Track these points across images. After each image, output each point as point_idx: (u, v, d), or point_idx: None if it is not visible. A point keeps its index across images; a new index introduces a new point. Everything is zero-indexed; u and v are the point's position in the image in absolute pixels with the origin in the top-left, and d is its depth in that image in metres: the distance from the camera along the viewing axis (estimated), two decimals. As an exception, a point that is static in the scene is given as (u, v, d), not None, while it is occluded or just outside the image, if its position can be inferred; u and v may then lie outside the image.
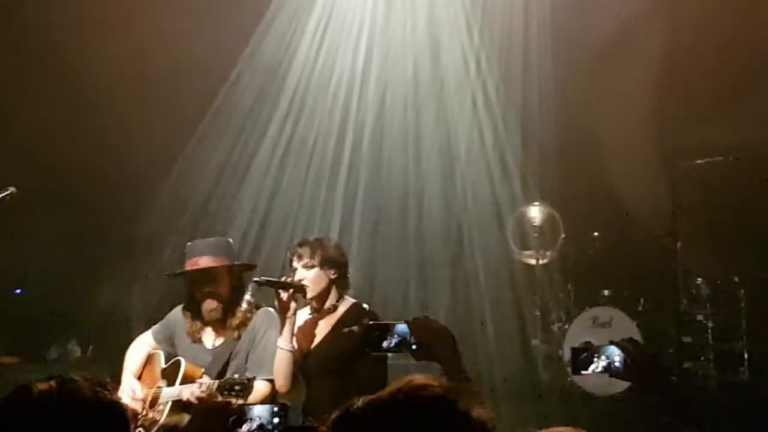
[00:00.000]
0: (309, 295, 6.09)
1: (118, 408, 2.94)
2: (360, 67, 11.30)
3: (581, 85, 10.77)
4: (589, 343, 9.14)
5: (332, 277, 6.12)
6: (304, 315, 6.22)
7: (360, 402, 2.80)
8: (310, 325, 6.22)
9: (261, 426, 3.70)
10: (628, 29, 10.43)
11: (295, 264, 6.11)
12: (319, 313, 6.18)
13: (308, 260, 6.08)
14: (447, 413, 2.72)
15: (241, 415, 3.65)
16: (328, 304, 6.18)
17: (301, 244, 6.20)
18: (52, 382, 2.91)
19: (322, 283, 6.11)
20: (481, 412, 2.81)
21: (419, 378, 2.86)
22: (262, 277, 6.12)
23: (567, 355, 10.18)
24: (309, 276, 6.09)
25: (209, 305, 6.27)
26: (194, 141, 11.18)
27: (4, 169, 9.08)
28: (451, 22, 11.22)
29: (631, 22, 10.46)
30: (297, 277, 6.08)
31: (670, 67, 10.40)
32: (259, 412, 3.68)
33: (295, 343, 6.05)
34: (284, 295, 5.98)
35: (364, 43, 11.28)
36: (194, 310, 6.37)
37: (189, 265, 6.30)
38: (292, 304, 6.00)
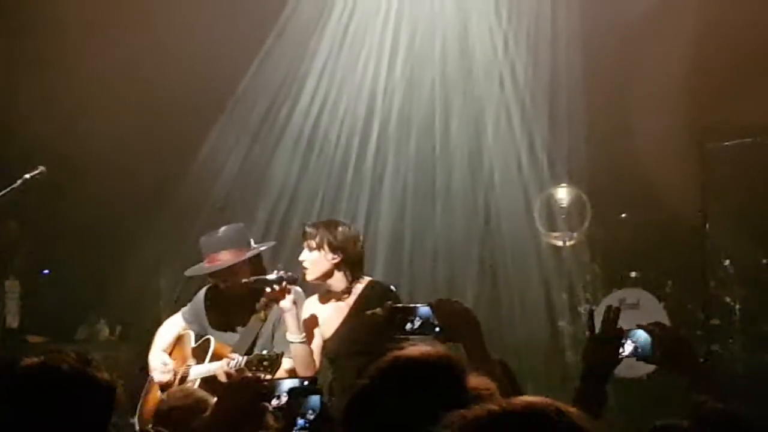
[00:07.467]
0: (309, 277, 6.18)
1: (101, 383, 2.97)
2: (388, 45, 11.25)
3: (610, 65, 10.69)
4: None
5: (333, 261, 6.14)
6: (314, 304, 6.29)
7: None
8: (323, 311, 6.26)
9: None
10: (658, 8, 10.34)
11: (304, 244, 6.20)
12: (328, 297, 6.25)
13: (311, 242, 6.15)
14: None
15: (271, 390, 3.61)
16: (336, 288, 6.21)
17: (309, 225, 6.27)
18: (40, 358, 2.97)
19: (322, 267, 6.15)
20: (477, 380, 2.86)
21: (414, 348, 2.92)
22: (252, 277, 6.16)
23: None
24: (310, 258, 6.16)
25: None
26: (222, 118, 11.18)
27: (36, 150, 9.15)
28: (479, 1, 11.16)
29: (661, 1, 10.37)
30: (301, 258, 6.18)
31: (700, 48, 10.30)
32: (289, 387, 3.61)
33: (305, 334, 6.09)
34: (276, 289, 6.00)
35: (392, 21, 11.22)
36: (219, 300, 6.41)
37: (208, 262, 6.33)
38: (288, 296, 6.01)
